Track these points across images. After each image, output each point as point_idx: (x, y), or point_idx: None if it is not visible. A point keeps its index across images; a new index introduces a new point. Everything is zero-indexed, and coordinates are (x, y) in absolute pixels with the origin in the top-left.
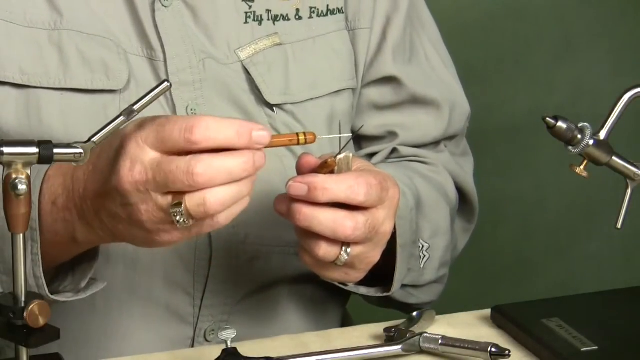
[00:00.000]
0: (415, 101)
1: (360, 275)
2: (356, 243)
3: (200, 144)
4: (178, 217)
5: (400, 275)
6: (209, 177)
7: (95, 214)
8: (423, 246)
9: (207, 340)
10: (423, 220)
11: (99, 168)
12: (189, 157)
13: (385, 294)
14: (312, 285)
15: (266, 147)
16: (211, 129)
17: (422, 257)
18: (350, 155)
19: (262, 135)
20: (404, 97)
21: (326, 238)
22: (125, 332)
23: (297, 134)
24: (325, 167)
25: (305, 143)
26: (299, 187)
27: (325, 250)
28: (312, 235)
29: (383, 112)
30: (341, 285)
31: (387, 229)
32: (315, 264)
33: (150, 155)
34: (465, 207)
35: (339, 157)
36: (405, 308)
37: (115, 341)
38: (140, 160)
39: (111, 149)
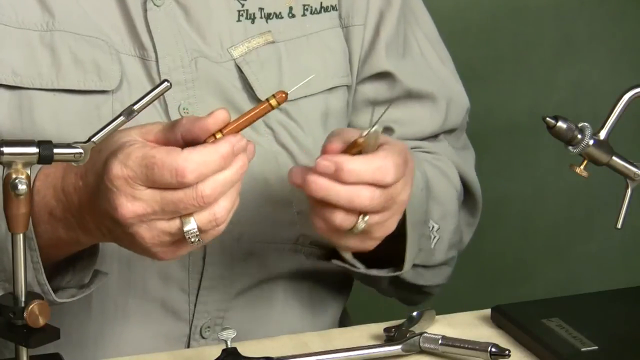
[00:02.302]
0: (410, 96)
1: (375, 243)
2: (374, 212)
3: (193, 182)
4: (193, 239)
5: (411, 254)
6: (217, 193)
7: (96, 227)
8: (433, 227)
9: (203, 337)
10: (432, 202)
11: (89, 187)
12: None
13: (397, 273)
14: (309, 283)
15: (248, 125)
16: (200, 166)
17: (432, 238)
18: (380, 130)
19: (241, 145)
20: (398, 92)
21: (343, 207)
22: (122, 330)
23: (267, 100)
24: (355, 147)
25: (279, 105)
26: (326, 166)
27: (342, 218)
28: (328, 204)
29: (378, 108)
30: (352, 268)
31: (405, 197)
32: (329, 231)
33: (146, 191)
34: (468, 199)
35: (368, 131)
36: (414, 293)
37: (111, 339)
38: (138, 197)
39: (96, 173)
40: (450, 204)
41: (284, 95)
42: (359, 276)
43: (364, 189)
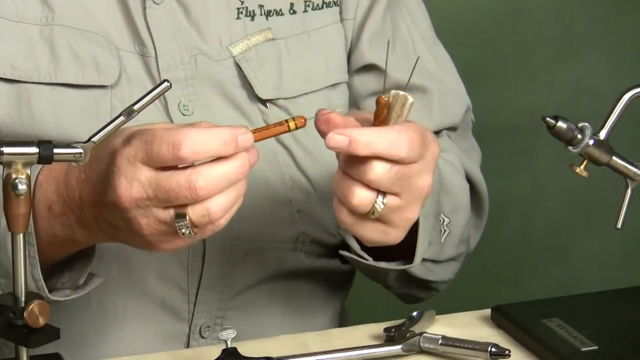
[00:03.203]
0: (399, 89)
1: (399, 234)
2: (392, 194)
3: (189, 160)
4: (183, 230)
5: (422, 246)
6: (210, 188)
7: (94, 221)
8: (444, 221)
9: (202, 337)
10: (444, 195)
11: (91, 179)
12: (188, 171)
13: (407, 266)
14: (309, 282)
15: (259, 140)
16: (198, 143)
17: (442, 232)
18: (410, 99)
19: (246, 138)
20: (387, 85)
21: (360, 184)
22: (121, 329)
23: (287, 121)
24: (379, 117)
25: (297, 128)
26: (339, 140)
27: (359, 197)
28: (346, 183)
29: (368, 101)
30: (362, 260)
31: (425, 183)
32: (351, 220)
33: (145, 172)
34: (474, 200)
35: (399, 93)
36: (420, 289)
37: (111, 339)
38: (136, 178)
39: (101, 163)
40: (461, 197)
41: (303, 120)
42: (365, 270)
43: (376, 161)
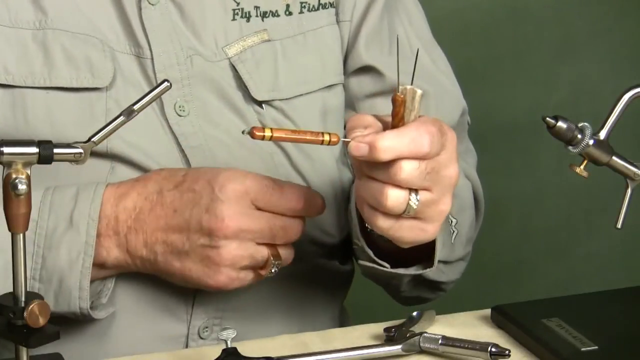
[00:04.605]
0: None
1: (435, 230)
2: (424, 189)
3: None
4: (274, 269)
5: (439, 246)
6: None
7: (143, 245)
8: (452, 221)
9: (201, 338)
10: None
11: (166, 203)
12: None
13: (426, 270)
14: (308, 283)
15: (292, 141)
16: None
17: (452, 233)
18: (419, 91)
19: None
20: (382, 87)
21: (390, 185)
22: (120, 330)
23: (322, 134)
24: (396, 116)
25: (329, 144)
26: (360, 148)
27: (392, 198)
28: (375, 186)
29: (365, 102)
30: (382, 268)
31: (453, 173)
32: (387, 224)
33: (256, 211)
34: None
35: (406, 87)
36: (430, 291)
37: (110, 340)
38: (248, 213)
39: (182, 189)
40: (465, 197)
41: (335, 139)
42: (380, 277)
43: (403, 161)
